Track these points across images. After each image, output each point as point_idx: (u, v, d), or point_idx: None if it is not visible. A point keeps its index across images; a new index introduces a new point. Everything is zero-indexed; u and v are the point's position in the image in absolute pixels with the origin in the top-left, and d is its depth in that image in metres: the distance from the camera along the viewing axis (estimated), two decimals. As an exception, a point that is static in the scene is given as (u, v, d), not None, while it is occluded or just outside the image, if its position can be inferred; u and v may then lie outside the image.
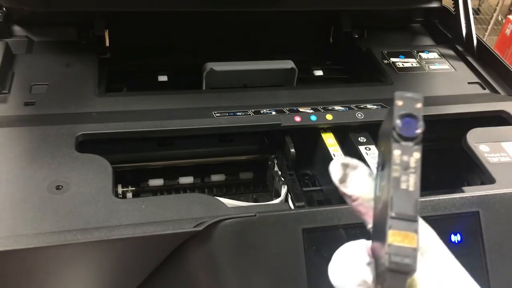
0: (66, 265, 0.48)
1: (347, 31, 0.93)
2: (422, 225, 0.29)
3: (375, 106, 0.69)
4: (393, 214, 0.25)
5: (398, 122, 0.26)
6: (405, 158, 0.26)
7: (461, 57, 0.86)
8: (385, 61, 0.84)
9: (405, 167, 0.26)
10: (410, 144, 0.26)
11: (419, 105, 0.26)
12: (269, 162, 0.68)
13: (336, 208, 0.50)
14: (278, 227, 0.49)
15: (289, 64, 0.81)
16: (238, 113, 0.64)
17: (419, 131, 0.26)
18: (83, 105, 0.65)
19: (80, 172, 0.52)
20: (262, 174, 0.72)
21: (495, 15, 2.74)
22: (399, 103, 0.26)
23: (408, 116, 0.26)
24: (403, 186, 0.25)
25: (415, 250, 0.24)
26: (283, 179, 0.63)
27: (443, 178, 0.66)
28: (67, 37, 0.81)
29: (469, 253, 0.52)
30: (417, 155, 0.26)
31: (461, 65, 0.84)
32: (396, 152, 0.26)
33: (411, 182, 0.25)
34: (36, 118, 0.61)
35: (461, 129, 0.65)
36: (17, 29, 0.80)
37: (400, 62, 0.84)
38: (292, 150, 0.62)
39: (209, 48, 0.91)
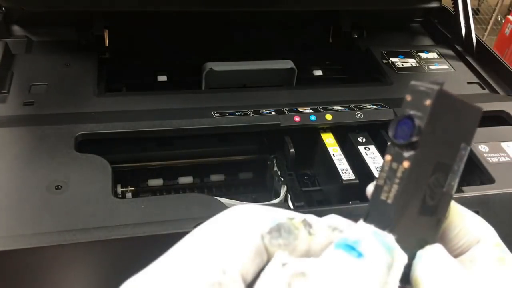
0: (65, 265, 0.48)
1: (347, 31, 0.93)
2: (473, 221, 0.26)
3: (374, 106, 0.69)
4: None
5: (393, 124, 0.22)
6: (393, 165, 0.22)
7: (460, 57, 0.86)
8: (385, 61, 0.84)
9: (390, 176, 0.22)
10: (403, 151, 0.22)
11: (427, 102, 0.21)
12: (268, 162, 0.68)
13: (336, 208, 0.50)
14: (278, 227, 0.48)
15: (288, 64, 0.81)
16: (237, 113, 0.64)
17: (413, 138, 0.21)
18: (83, 105, 0.65)
19: (79, 172, 0.52)
20: (261, 174, 0.72)
21: (494, 15, 2.75)
22: (408, 98, 0.22)
23: (407, 118, 0.22)
24: (383, 196, 0.22)
25: None
26: (282, 179, 0.63)
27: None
28: (66, 37, 0.81)
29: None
30: (406, 164, 0.22)
31: (460, 65, 0.84)
32: (387, 158, 0.23)
33: (391, 193, 0.22)
34: (35, 118, 0.61)
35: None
36: (16, 29, 0.80)
37: (400, 62, 0.84)
38: (292, 150, 0.62)
39: (209, 48, 0.91)
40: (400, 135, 0.22)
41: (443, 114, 0.22)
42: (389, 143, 0.23)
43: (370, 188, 0.26)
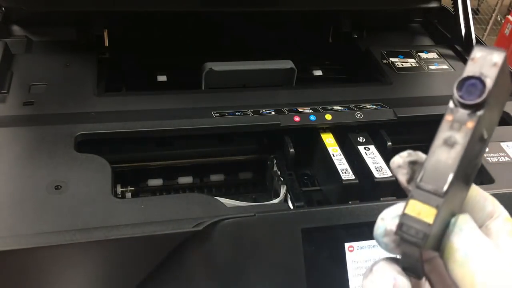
0: (65, 265, 0.48)
1: (347, 31, 0.94)
2: (487, 196, 0.27)
3: (374, 106, 0.69)
4: (419, 184, 0.23)
5: (459, 84, 0.22)
6: (455, 126, 0.22)
7: (460, 57, 0.86)
8: (384, 61, 0.84)
9: (452, 136, 0.22)
10: (466, 111, 0.22)
11: (496, 64, 0.22)
12: (268, 162, 0.68)
13: (335, 208, 0.50)
14: (277, 227, 0.49)
15: (288, 64, 0.81)
16: (237, 113, 0.64)
17: (480, 99, 0.22)
18: (82, 105, 0.65)
19: (79, 172, 0.52)
20: (261, 174, 0.72)
21: (494, 15, 2.75)
22: (474, 60, 0.22)
23: (474, 79, 0.22)
24: (443, 156, 0.22)
25: (429, 226, 0.22)
26: (282, 179, 0.63)
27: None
28: (66, 37, 0.81)
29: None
30: (470, 124, 0.22)
31: (460, 65, 0.84)
32: (448, 117, 0.23)
33: (452, 153, 0.22)
34: (35, 118, 0.61)
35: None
36: (16, 29, 0.80)
37: (399, 62, 0.84)
38: (291, 150, 0.62)
39: (209, 48, 0.91)
40: (468, 96, 0.22)
41: (500, 79, 0.23)
42: (449, 105, 0.23)
43: (397, 160, 0.26)
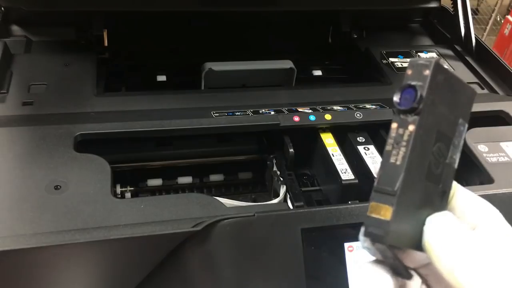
0: (65, 265, 0.48)
1: (346, 31, 0.93)
2: (478, 201, 0.28)
3: (374, 106, 0.69)
4: (376, 187, 0.25)
5: (397, 94, 0.25)
6: (400, 131, 0.25)
7: (459, 57, 0.86)
8: (384, 61, 0.84)
9: (398, 140, 0.25)
10: (407, 116, 0.25)
11: (426, 72, 0.25)
12: (268, 162, 0.68)
13: (335, 208, 0.50)
14: (277, 227, 0.49)
15: (288, 64, 0.81)
16: (237, 113, 0.64)
17: (415, 103, 0.25)
18: (82, 105, 0.65)
19: (78, 172, 0.52)
20: (261, 174, 0.72)
21: (493, 15, 2.75)
22: (409, 72, 0.25)
23: (409, 87, 0.25)
24: (392, 159, 0.25)
25: (388, 222, 0.24)
26: (282, 179, 0.63)
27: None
28: (65, 37, 0.81)
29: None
30: (411, 127, 0.25)
31: (459, 65, 0.84)
32: (393, 125, 0.26)
33: (400, 155, 0.25)
34: (34, 118, 0.61)
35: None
36: (15, 28, 0.80)
37: (399, 62, 0.84)
38: (291, 150, 0.62)
39: (208, 48, 0.91)
40: (404, 103, 0.25)
41: (440, 85, 0.25)
42: (393, 114, 0.26)
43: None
